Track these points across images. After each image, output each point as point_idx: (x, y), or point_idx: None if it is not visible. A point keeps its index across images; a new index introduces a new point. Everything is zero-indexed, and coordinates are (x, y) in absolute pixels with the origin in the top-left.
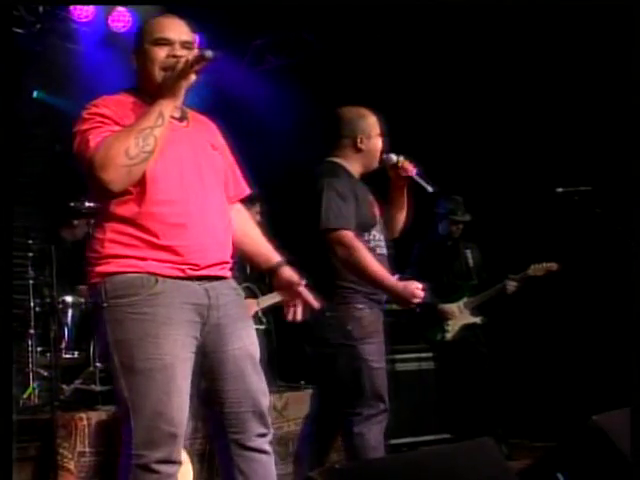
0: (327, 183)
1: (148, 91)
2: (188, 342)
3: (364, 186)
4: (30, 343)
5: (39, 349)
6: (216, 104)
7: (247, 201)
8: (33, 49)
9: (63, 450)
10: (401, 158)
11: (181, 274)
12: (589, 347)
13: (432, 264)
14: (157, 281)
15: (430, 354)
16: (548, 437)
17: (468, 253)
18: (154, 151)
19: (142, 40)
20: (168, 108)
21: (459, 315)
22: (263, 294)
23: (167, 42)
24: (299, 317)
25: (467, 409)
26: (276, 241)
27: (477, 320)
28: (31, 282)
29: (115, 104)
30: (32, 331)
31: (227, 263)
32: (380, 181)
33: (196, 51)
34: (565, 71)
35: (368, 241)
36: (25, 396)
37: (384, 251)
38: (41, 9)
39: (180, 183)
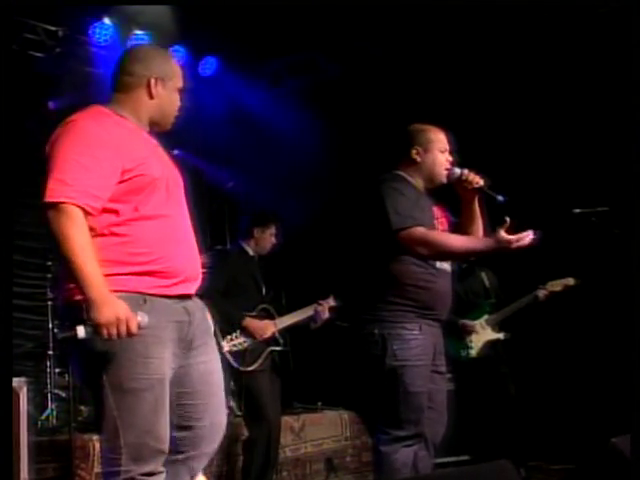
0: (389, 187)
1: (143, 116)
2: (171, 360)
3: (427, 199)
4: (49, 364)
5: (57, 370)
6: (234, 125)
7: (262, 223)
8: (53, 73)
9: (81, 471)
10: (465, 171)
11: (167, 292)
12: (609, 368)
13: None
14: (145, 301)
15: (449, 374)
16: (566, 460)
17: (483, 275)
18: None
19: (168, 78)
20: (87, 297)
21: (481, 332)
22: (280, 315)
23: (181, 91)
24: None
25: (486, 430)
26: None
27: (500, 336)
28: (49, 303)
29: (109, 125)
30: (50, 352)
31: (199, 279)
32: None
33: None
34: (582, 92)
35: None
36: (43, 417)
37: (445, 266)
38: (61, 33)
39: (167, 199)
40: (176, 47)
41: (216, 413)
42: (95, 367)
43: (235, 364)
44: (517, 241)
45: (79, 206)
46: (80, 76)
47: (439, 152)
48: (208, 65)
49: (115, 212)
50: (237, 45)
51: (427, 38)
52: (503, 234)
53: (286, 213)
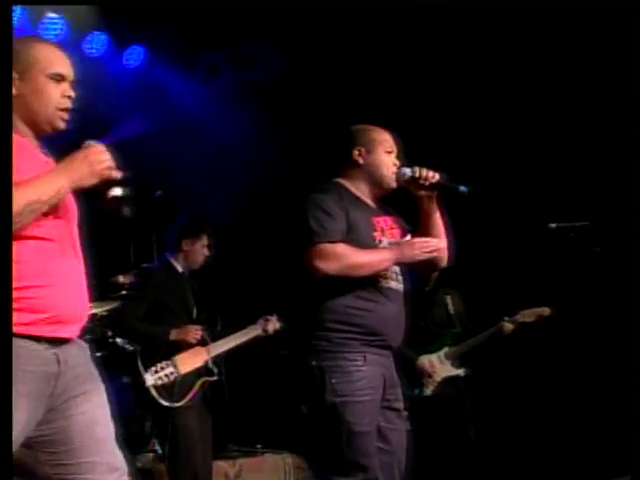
0: (310, 200)
1: (17, 121)
2: (31, 416)
3: (368, 208)
4: None
5: None
6: (162, 123)
7: (192, 234)
8: None
9: None
10: (416, 168)
11: (30, 331)
12: (587, 405)
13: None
14: None
15: (405, 412)
16: None
17: (448, 300)
18: (22, 229)
19: (32, 68)
20: (67, 190)
21: (439, 367)
22: (214, 340)
23: (62, 79)
24: None
25: (447, 474)
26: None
27: (460, 372)
28: None
29: None
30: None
31: (82, 321)
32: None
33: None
34: (559, 101)
35: None
36: None
37: (393, 284)
38: None
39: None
40: (96, 34)
41: (104, 472)
42: None
43: (162, 401)
44: (423, 245)
45: None
46: None
47: (385, 153)
48: (134, 55)
49: None
50: (168, 34)
51: (385, 32)
52: (408, 243)
53: (222, 222)
